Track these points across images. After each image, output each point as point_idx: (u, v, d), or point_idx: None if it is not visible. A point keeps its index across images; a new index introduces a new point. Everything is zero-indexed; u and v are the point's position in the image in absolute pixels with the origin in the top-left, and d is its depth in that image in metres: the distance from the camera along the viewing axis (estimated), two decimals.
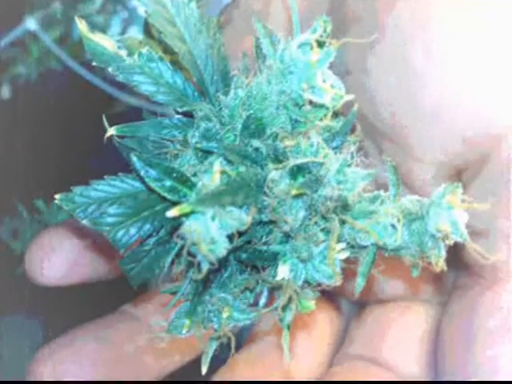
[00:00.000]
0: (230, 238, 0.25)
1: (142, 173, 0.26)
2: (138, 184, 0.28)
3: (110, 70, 0.28)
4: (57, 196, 0.28)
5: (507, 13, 0.30)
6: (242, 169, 0.27)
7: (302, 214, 0.28)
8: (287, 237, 0.29)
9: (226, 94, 0.29)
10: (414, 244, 0.28)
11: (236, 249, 0.28)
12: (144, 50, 0.29)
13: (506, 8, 0.30)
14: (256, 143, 0.28)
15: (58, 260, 0.36)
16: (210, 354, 0.30)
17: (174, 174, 0.26)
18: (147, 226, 0.28)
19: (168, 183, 0.26)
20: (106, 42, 0.28)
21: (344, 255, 0.29)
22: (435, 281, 0.37)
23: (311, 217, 0.29)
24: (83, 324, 0.38)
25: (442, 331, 0.34)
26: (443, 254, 0.28)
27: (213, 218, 0.24)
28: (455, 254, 0.32)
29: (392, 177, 0.29)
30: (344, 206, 0.28)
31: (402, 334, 0.38)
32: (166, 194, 0.26)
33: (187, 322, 0.29)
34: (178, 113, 0.30)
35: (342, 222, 0.28)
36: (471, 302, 0.32)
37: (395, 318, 0.38)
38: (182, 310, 0.30)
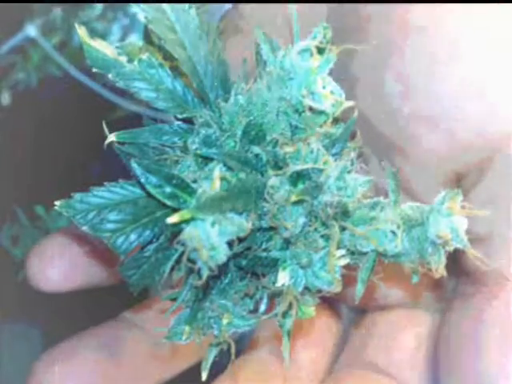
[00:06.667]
0: (230, 244, 0.25)
1: (143, 179, 0.26)
2: (138, 190, 0.28)
3: (110, 76, 0.28)
4: (57, 202, 0.28)
5: (505, 19, 0.30)
6: (242, 175, 0.27)
7: (301, 220, 0.28)
8: (287, 243, 0.29)
9: (226, 100, 0.29)
10: (414, 250, 0.28)
11: (236, 255, 0.28)
12: (144, 57, 0.29)
13: (505, 15, 0.30)
14: (256, 149, 0.28)
15: (58, 266, 0.37)
16: (210, 361, 0.30)
17: (174, 181, 0.26)
18: (147, 233, 0.28)
19: (168, 189, 0.26)
20: (106, 49, 0.28)
21: (344, 262, 0.29)
22: (435, 287, 0.37)
23: (311, 223, 0.29)
24: (83, 331, 0.38)
25: (444, 339, 0.34)
26: (443, 260, 0.28)
27: (213, 225, 0.24)
28: (455, 260, 0.32)
29: (392, 183, 0.29)
30: (344, 213, 0.28)
31: (401, 340, 0.38)
32: (166, 201, 0.26)
33: (187, 328, 0.29)
34: (178, 119, 0.30)
35: (342, 229, 0.28)
36: (477, 310, 0.32)
37: (395, 325, 0.38)
38: (181, 317, 0.30)
